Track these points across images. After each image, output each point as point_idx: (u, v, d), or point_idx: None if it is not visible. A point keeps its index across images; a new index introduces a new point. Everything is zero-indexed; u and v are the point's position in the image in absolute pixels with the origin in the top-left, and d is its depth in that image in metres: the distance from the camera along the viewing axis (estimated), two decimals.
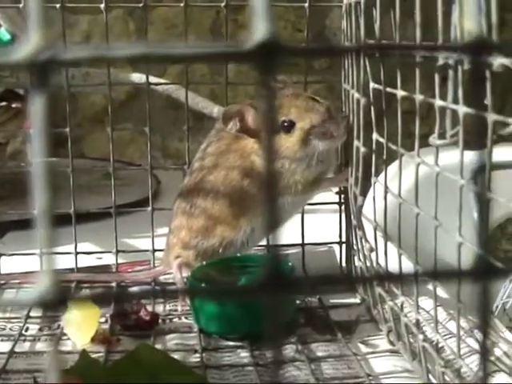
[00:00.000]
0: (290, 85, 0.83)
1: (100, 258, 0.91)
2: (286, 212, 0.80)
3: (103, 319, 0.74)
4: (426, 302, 0.70)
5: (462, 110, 0.50)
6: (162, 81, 1.10)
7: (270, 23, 0.21)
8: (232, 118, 0.77)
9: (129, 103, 1.58)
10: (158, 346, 0.69)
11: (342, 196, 0.87)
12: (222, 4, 0.86)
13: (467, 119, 0.49)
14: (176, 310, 0.79)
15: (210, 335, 0.72)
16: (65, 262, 0.85)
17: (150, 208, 0.88)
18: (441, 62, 0.53)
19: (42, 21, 0.21)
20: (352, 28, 0.74)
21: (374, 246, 0.70)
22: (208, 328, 0.72)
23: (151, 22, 1.52)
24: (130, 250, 0.90)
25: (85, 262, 0.88)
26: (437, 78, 0.54)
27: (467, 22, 0.49)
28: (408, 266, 0.63)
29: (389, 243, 0.66)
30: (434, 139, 0.56)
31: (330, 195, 0.89)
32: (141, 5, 0.84)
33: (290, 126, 0.76)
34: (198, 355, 0.68)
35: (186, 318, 0.77)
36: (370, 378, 0.63)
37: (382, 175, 0.67)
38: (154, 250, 0.88)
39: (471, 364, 0.59)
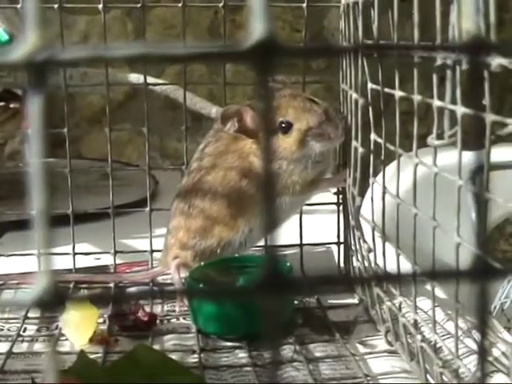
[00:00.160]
0: (289, 85, 0.83)
1: (98, 259, 0.91)
2: (284, 212, 0.80)
3: (101, 320, 0.74)
4: (424, 303, 0.70)
5: (460, 110, 0.50)
6: (160, 81, 1.10)
7: (267, 23, 0.21)
8: (230, 119, 0.77)
9: (127, 103, 1.58)
10: (156, 347, 0.69)
11: (340, 196, 0.87)
12: (220, 4, 0.86)
13: (465, 119, 0.49)
14: (174, 311, 0.79)
15: (208, 336, 0.72)
16: (63, 263, 0.85)
17: (148, 208, 0.88)
18: (439, 62, 0.53)
19: (39, 21, 0.21)
20: (350, 28, 0.74)
21: (372, 246, 0.70)
22: (206, 328, 0.72)
23: (149, 23, 1.52)
24: (128, 251, 0.90)
25: (83, 262, 0.88)
26: (435, 78, 0.54)
27: (465, 22, 0.49)
28: (406, 267, 0.63)
29: (387, 244, 0.66)
30: (432, 140, 0.56)
31: (328, 196, 0.89)
32: (139, 5, 0.85)
33: (287, 127, 0.76)
34: (195, 356, 0.68)
35: (183, 318, 0.77)
36: (368, 378, 0.63)
37: (380, 176, 0.67)
38: (152, 251, 0.87)
39: (469, 364, 0.59)
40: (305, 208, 0.86)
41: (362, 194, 0.73)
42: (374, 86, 0.67)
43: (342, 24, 0.80)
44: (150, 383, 0.59)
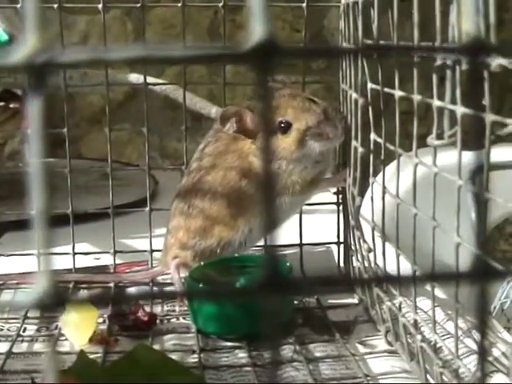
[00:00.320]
0: (289, 85, 0.83)
1: (98, 259, 0.91)
2: (283, 212, 0.80)
3: (101, 320, 0.74)
4: (424, 303, 0.70)
5: (460, 110, 0.50)
6: (159, 81, 1.10)
7: (267, 24, 0.21)
8: (230, 119, 0.78)
9: (127, 103, 1.58)
10: (156, 347, 0.69)
11: (340, 196, 0.87)
12: (220, 4, 0.86)
13: (465, 120, 0.49)
14: (174, 311, 0.79)
15: (208, 336, 0.72)
16: (62, 263, 0.85)
17: (147, 208, 0.88)
18: (439, 62, 0.53)
19: (39, 21, 0.21)
20: (350, 28, 0.74)
21: (372, 246, 0.70)
22: (206, 328, 0.72)
23: (149, 23, 1.52)
24: (128, 251, 0.90)
25: (83, 262, 0.88)
26: (435, 78, 0.54)
27: (465, 22, 0.49)
28: (406, 267, 0.63)
29: (387, 244, 0.66)
30: (431, 139, 0.56)
31: (328, 195, 0.89)
32: (138, 5, 0.84)
33: (286, 127, 0.76)
34: (195, 356, 0.68)
35: (183, 318, 0.77)
36: (368, 378, 0.63)
37: (380, 175, 0.67)
38: (152, 251, 0.87)
39: (469, 364, 0.59)
40: (305, 208, 0.86)
41: (362, 193, 0.73)
42: (374, 86, 0.67)
43: (341, 24, 0.80)
44: (149, 383, 0.59)
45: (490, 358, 0.60)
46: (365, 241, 0.72)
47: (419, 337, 0.61)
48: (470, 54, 0.25)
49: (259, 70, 0.21)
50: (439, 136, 0.55)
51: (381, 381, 0.63)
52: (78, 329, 0.70)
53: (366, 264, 0.73)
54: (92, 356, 0.65)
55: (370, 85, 0.68)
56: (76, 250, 0.87)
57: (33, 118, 0.21)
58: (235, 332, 0.71)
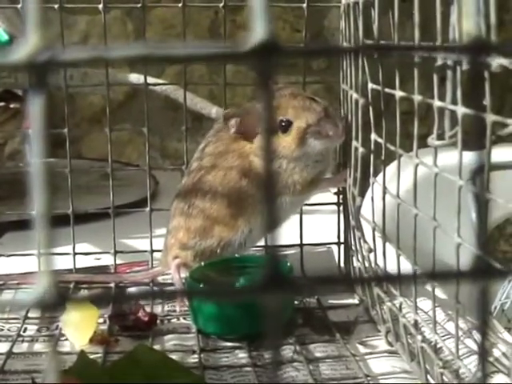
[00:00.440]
0: (289, 86, 0.83)
1: (98, 259, 0.91)
2: (284, 212, 0.80)
3: (101, 320, 0.74)
4: (425, 303, 0.70)
5: (461, 110, 0.50)
6: (160, 81, 1.10)
7: (268, 24, 0.21)
8: (231, 121, 0.78)
9: (127, 104, 1.58)
10: (157, 347, 0.69)
11: (341, 196, 0.87)
12: (221, 4, 0.86)
13: (466, 120, 0.49)
14: (174, 311, 0.79)
15: (208, 336, 0.72)
16: (63, 263, 0.85)
17: (148, 208, 0.88)
18: (439, 62, 0.53)
19: (40, 21, 0.21)
20: (350, 28, 0.74)
21: (372, 246, 0.70)
22: (206, 329, 0.72)
23: (149, 23, 1.52)
24: (129, 251, 0.90)
25: (83, 262, 0.88)
26: (435, 78, 0.54)
27: (466, 22, 0.49)
28: (407, 267, 0.63)
29: (387, 244, 0.66)
30: (432, 140, 0.56)
31: (329, 196, 0.89)
32: (139, 5, 0.84)
33: (287, 126, 0.77)
34: (196, 356, 0.68)
35: (184, 318, 0.77)
36: (369, 378, 0.63)
37: (381, 176, 0.67)
38: (153, 251, 0.87)
39: (470, 365, 0.59)
40: (305, 208, 0.86)
41: (363, 194, 0.73)
42: (375, 86, 0.67)
43: (342, 24, 0.80)
44: (150, 383, 0.59)
45: (491, 359, 0.60)
46: (365, 241, 0.72)
47: (420, 337, 0.61)
48: (471, 53, 0.25)
49: (260, 70, 0.21)
50: (440, 136, 0.55)
51: (381, 381, 0.63)
52: (79, 329, 0.70)
53: (367, 264, 0.73)
54: (92, 356, 0.65)
55: (370, 85, 0.68)
56: (76, 250, 0.87)
57: (34, 118, 0.21)
58: (235, 332, 0.71)
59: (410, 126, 0.57)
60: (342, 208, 0.87)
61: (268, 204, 0.22)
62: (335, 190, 0.88)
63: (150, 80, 0.93)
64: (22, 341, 0.72)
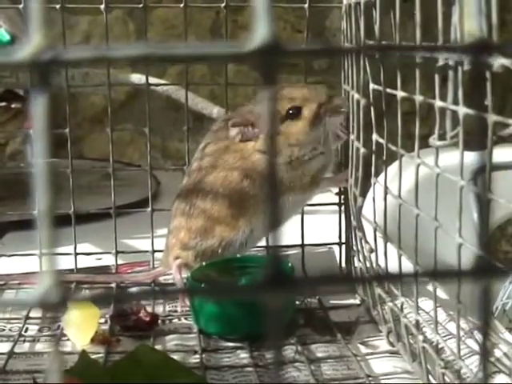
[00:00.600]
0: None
1: (99, 259, 0.91)
2: (286, 212, 0.80)
3: (103, 320, 0.74)
4: (426, 303, 0.70)
5: (462, 110, 0.50)
6: (161, 81, 1.10)
7: (270, 24, 0.21)
8: (234, 130, 0.78)
9: (129, 104, 1.58)
10: (158, 347, 0.69)
11: (342, 197, 0.87)
12: (222, 5, 0.86)
13: (467, 120, 0.49)
14: (176, 311, 0.79)
15: (210, 336, 0.72)
16: (64, 263, 0.85)
17: (149, 209, 0.88)
18: (441, 62, 0.53)
19: (42, 21, 0.21)
20: (352, 29, 0.74)
21: (373, 246, 0.70)
22: (207, 329, 0.72)
23: (151, 23, 1.52)
24: (130, 251, 0.90)
25: (84, 262, 0.88)
26: (437, 78, 0.54)
27: (467, 22, 0.49)
28: (408, 267, 0.63)
29: (389, 244, 0.66)
30: (434, 140, 0.56)
31: (330, 196, 0.89)
32: (140, 5, 0.84)
33: (296, 112, 0.77)
34: (197, 356, 0.68)
35: (185, 318, 0.77)
36: (370, 378, 0.63)
37: (382, 176, 0.67)
38: (154, 251, 0.87)
39: (471, 365, 0.59)
40: (306, 208, 0.86)
41: (364, 194, 0.73)
42: (376, 87, 0.67)
43: (343, 24, 0.80)
44: (151, 383, 0.59)
45: (492, 359, 0.60)
46: (366, 241, 0.72)
47: (421, 337, 0.61)
48: (472, 53, 0.25)
49: (263, 70, 0.21)
50: (441, 136, 0.55)
51: (382, 381, 0.63)
52: (80, 329, 0.70)
53: (368, 264, 0.73)
54: (94, 356, 0.65)
55: (372, 85, 0.68)
56: (78, 251, 0.87)
57: (37, 117, 0.21)
58: (237, 332, 0.71)
59: (411, 127, 0.57)
60: (343, 208, 0.87)
61: (271, 203, 0.22)
62: (336, 190, 0.88)
63: (152, 80, 0.93)
64: (24, 341, 0.72)
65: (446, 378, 0.57)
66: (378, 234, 0.69)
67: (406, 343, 0.65)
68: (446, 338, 0.63)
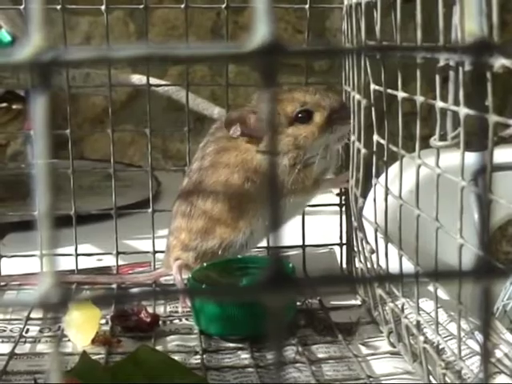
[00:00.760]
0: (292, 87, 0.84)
1: (100, 260, 0.90)
2: (287, 213, 0.80)
3: (104, 321, 0.74)
4: (427, 304, 0.70)
5: (463, 111, 0.50)
6: (162, 82, 1.10)
7: (270, 24, 0.21)
8: (234, 124, 0.78)
9: (129, 104, 1.58)
10: (159, 348, 0.69)
11: (343, 197, 0.87)
12: (223, 6, 0.86)
13: (468, 121, 0.49)
14: (176, 312, 0.79)
15: (211, 337, 0.72)
16: (65, 264, 0.85)
17: (150, 209, 0.88)
18: (442, 63, 0.53)
19: (42, 22, 0.21)
20: (353, 30, 0.74)
21: (374, 247, 0.70)
22: (208, 329, 0.72)
23: (152, 24, 1.52)
24: (131, 252, 0.90)
25: (85, 263, 0.88)
26: (438, 79, 0.54)
27: (468, 23, 0.49)
28: (409, 268, 0.63)
29: (389, 245, 0.66)
30: (434, 141, 0.56)
31: (331, 197, 0.89)
32: (141, 6, 0.84)
33: (307, 116, 0.78)
34: (198, 357, 0.68)
35: (186, 319, 0.77)
36: (371, 379, 0.63)
37: (383, 177, 0.67)
38: (155, 252, 0.87)
39: (472, 365, 0.59)
40: (307, 209, 0.86)
41: (365, 195, 0.73)
42: (377, 87, 0.67)
43: (344, 25, 0.80)
44: None
45: (493, 360, 0.60)
46: (367, 242, 0.72)
47: (422, 338, 0.61)
48: (473, 53, 0.25)
49: (263, 69, 0.21)
50: (442, 137, 0.55)
51: (383, 382, 0.63)
52: (81, 330, 0.70)
53: (369, 265, 0.73)
54: (95, 357, 0.65)
55: (372, 86, 0.68)
56: (79, 251, 0.87)
57: (37, 118, 0.21)
58: (238, 333, 0.71)
59: (412, 127, 0.57)
60: (344, 209, 0.87)
61: (271, 204, 0.22)
62: (337, 191, 0.88)
63: (153, 81, 0.93)
64: (25, 342, 0.72)
65: (446, 378, 0.57)
66: (379, 235, 0.69)
67: (407, 344, 0.65)
68: (446, 338, 0.63)
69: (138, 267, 0.89)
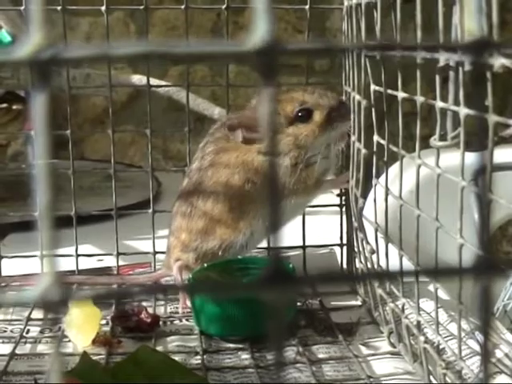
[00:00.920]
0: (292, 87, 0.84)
1: (101, 260, 0.90)
2: (287, 214, 0.80)
3: (104, 321, 0.74)
4: (427, 304, 0.70)
5: (463, 111, 0.50)
6: (162, 83, 1.10)
7: (270, 23, 0.21)
8: (236, 129, 0.78)
9: (130, 105, 1.58)
10: (159, 348, 0.69)
11: (343, 198, 0.87)
12: (223, 6, 0.86)
13: (468, 121, 0.49)
14: (177, 312, 0.79)
15: (211, 337, 0.72)
16: (66, 264, 0.85)
17: (150, 210, 0.88)
18: (442, 63, 0.53)
19: (42, 21, 0.21)
20: (353, 30, 0.74)
21: (375, 247, 0.70)
22: (209, 330, 0.72)
23: (152, 24, 1.52)
24: (131, 252, 0.90)
25: (86, 264, 0.88)
26: (438, 79, 0.54)
27: (468, 22, 0.49)
28: (409, 268, 0.63)
29: (390, 245, 0.66)
30: (434, 141, 0.56)
31: (331, 197, 0.89)
32: (142, 7, 0.84)
33: (307, 115, 0.78)
34: (198, 357, 0.68)
35: (186, 320, 0.77)
36: (371, 379, 0.63)
37: (383, 177, 0.67)
38: (155, 252, 0.87)
39: (472, 365, 0.59)
40: (308, 210, 0.86)
41: (365, 195, 0.73)
42: (377, 88, 0.67)
43: (344, 26, 0.80)
44: None
45: (493, 360, 0.60)
46: (368, 242, 0.72)
47: (422, 338, 0.61)
48: (474, 50, 0.25)
49: (263, 68, 0.21)
50: (442, 137, 0.55)
51: (384, 382, 0.63)
52: (81, 330, 0.70)
53: (369, 265, 0.73)
54: (95, 357, 0.65)
55: (372, 86, 0.68)
56: (79, 252, 0.87)
57: (37, 116, 0.21)
58: (238, 333, 0.71)
59: (412, 127, 0.57)
60: (344, 209, 0.87)
61: (272, 205, 0.22)
62: (338, 191, 0.88)
63: (153, 81, 0.93)
64: (25, 342, 0.72)
65: (447, 378, 0.57)
66: (379, 235, 0.69)
67: (408, 344, 0.65)
68: (447, 338, 0.63)
69: (138, 268, 0.89)
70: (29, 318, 0.76)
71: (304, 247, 0.87)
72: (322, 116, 0.78)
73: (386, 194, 0.65)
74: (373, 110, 0.69)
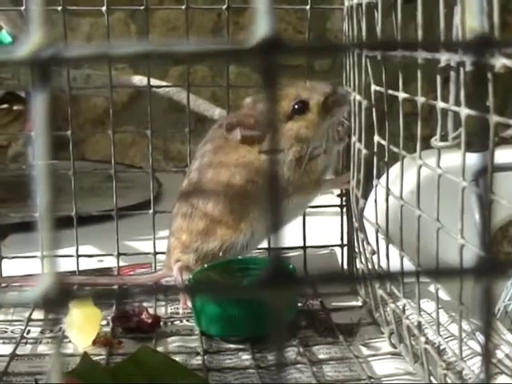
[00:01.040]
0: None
1: (101, 261, 0.90)
2: (287, 214, 0.80)
3: (105, 322, 0.74)
4: (428, 305, 0.70)
5: (464, 111, 0.50)
6: (163, 83, 1.10)
7: (271, 21, 0.21)
8: (234, 129, 0.78)
9: (130, 105, 1.58)
10: (160, 349, 0.69)
11: (344, 198, 0.86)
12: (224, 6, 0.86)
13: (469, 121, 0.49)
14: (177, 313, 0.79)
15: (212, 338, 0.72)
16: (66, 265, 0.85)
17: (151, 211, 0.88)
18: (443, 63, 0.53)
19: (43, 21, 0.21)
20: (353, 30, 0.74)
21: (375, 248, 0.70)
22: (209, 330, 0.72)
23: (152, 25, 1.52)
24: (132, 253, 0.90)
25: (86, 264, 0.88)
26: (438, 79, 0.54)
27: (469, 22, 0.48)
28: (410, 269, 0.63)
29: (390, 246, 0.66)
30: (435, 141, 0.56)
31: (332, 198, 0.89)
32: (142, 7, 0.84)
33: (303, 107, 0.78)
34: (199, 358, 0.68)
35: (187, 320, 0.77)
36: (372, 380, 0.63)
37: (384, 177, 0.67)
38: (156, 253, 0.87)
39: (473, 366, 0.59)
40: (308, 210, 0.86)
41: (366, 195, 0.73)
42: (378, 88, 0.67)
43: (345, 26, 0.80)
44: None
45: (494, 360, 0.60)
46: (368, 243, 0.72)
47: (423, 339, 0.61)
48: (475, 49, 0.25)
49: (264, 66, 0.21)
50: (443, 138, 0.55)
51: (384, 383, 0.63)
52: (82, 331, 0.70)
53: (370, 266, 0.73)
54: (96, 358, 0.65)
55: (373, 87, 0.68)
56: (80, 253, 0.87)
57: (37, 117, 0.21)
58: (239, 334, 0.71)
59: (413, 128, 0.57)
60: (345, 210, 0.87)
61: (272, 205, 0.22)
62: (338, 192, 0.87)
63: (154, 82, 0.93)
64: (26, 343, 0.72)
65: (447, 379, 0.57)
66: (380, 236, 0.69)
67: (408, 345, 0.65)
68: (447, 339, 0.63)
69: (139, 268, 0.89)
70: (29, 319, 0.76)
71: (304, 248, 0.87)
72: (319, 104, 0.78)
73: (387, 195, 0.65)
74: (373, 110, 0.69)
